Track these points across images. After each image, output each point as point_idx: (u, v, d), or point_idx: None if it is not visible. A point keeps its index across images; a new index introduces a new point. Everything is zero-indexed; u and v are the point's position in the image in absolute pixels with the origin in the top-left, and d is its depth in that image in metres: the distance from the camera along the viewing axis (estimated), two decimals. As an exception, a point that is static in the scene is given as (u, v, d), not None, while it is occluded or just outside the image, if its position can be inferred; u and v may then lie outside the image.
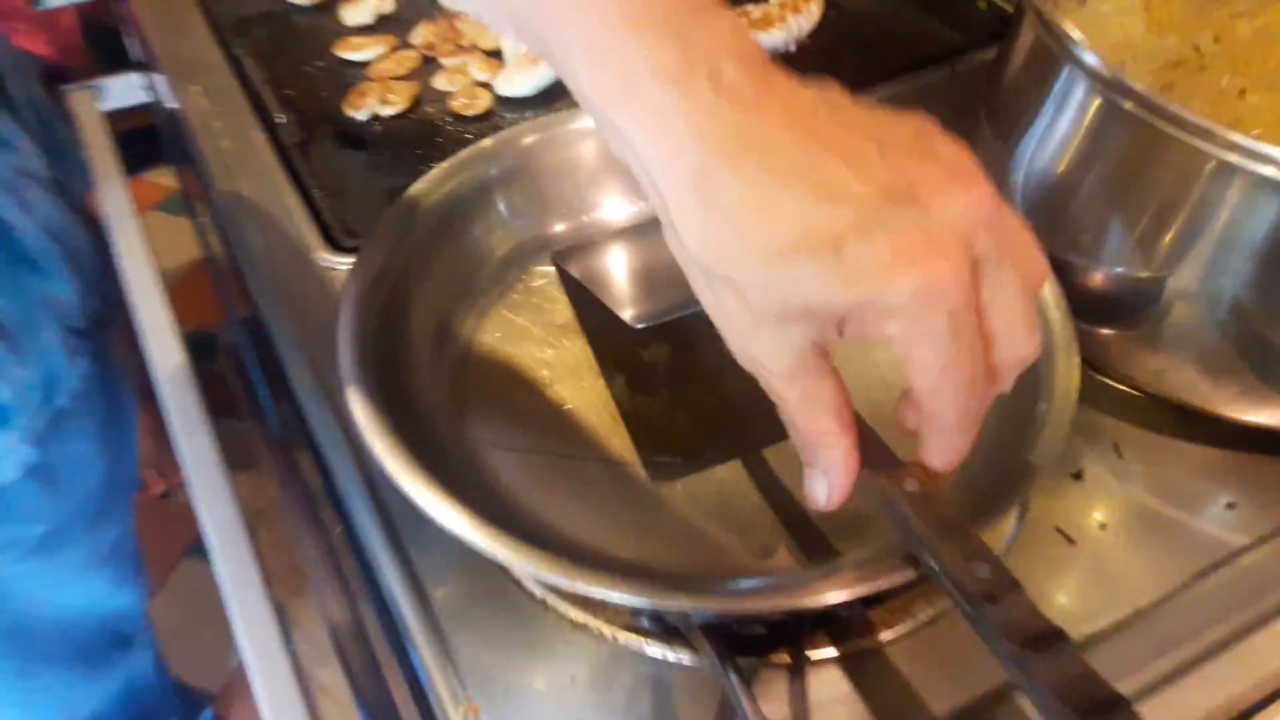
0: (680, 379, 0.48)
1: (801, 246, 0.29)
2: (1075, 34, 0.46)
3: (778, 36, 0.70)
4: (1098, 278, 0.49)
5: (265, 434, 0.71)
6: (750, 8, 0.72)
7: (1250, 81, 0.54)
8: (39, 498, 0.65)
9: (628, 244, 0.51)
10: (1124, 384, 0.51)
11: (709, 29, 0.30)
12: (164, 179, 2.30)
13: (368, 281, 0.45)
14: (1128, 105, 0.44)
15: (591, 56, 0.30)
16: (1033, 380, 0.43)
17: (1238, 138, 0.42)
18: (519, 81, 0.67)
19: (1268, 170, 0.42)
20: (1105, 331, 0.51)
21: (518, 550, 0.35)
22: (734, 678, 0.36)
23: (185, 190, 1.35)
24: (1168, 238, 0.46)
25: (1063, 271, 0.49)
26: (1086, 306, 0.50)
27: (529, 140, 0.51)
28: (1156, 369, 0.50)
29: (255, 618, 0.53)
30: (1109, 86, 0.45)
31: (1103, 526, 0.46)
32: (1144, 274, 0.47)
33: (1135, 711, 0.30)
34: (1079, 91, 0.47)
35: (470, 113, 0.66)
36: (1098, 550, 0.45)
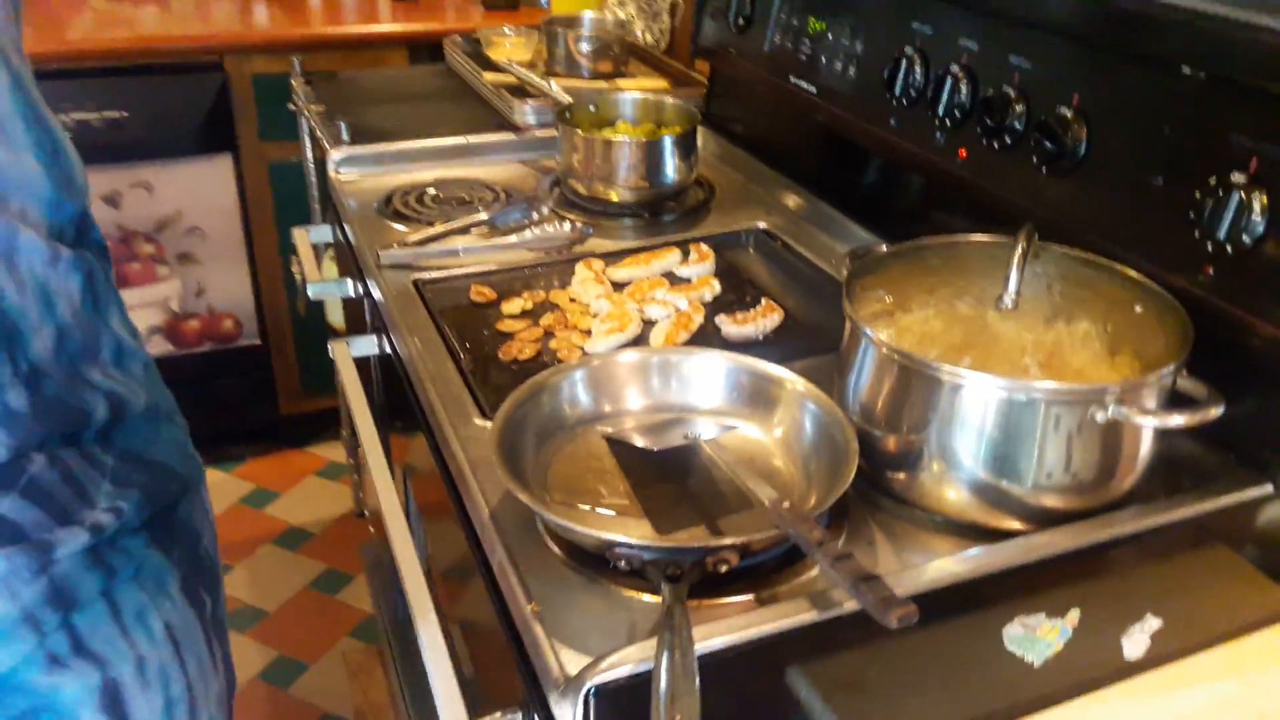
0: (669, 479, 0.85)
1: None
2: (871, 330, 0.85)
3: (749, 329, 1.11)
4: (890, 441, 0.85)
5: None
6: (737, 313, 1.14)
7: (993, 357, 0.92)
8: None
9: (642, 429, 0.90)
10: (909, 503, 0.86)
11: None
12: (326, 452, 2.79)
13: (505, 416, 0.84)
14: (893, 356, 0.83)
15: None
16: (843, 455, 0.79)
17: (945, 365, 0.79)
18: (599, 345, 1.09)
19: (962, 382, 0.79)
20: (900, 475, 0.86)
21: (553, 510, 0.72)
22: (667, 590, 0.70)
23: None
24: (917, 418, 0.82)
25: (872, 440, 0.86)
26: (887, 460, 0.86)
27: (595, 364, 0.91)
28: (924, 493, 0.84)
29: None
30: (886, 348, 0.83)
31: (877, 567, 0.79)
32: (911, 438, 0.83)
33: (883, 580, 0.64)
34: (870, 351, 0.85)
35: (568, 359, 1.08)
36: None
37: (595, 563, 0.77)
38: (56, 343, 0.64)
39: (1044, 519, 0.81)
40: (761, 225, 1.40)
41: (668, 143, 1.43)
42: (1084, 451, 0.79)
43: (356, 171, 1.56)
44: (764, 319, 1.13)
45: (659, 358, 0.92)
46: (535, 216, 1.40)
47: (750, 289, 1.25)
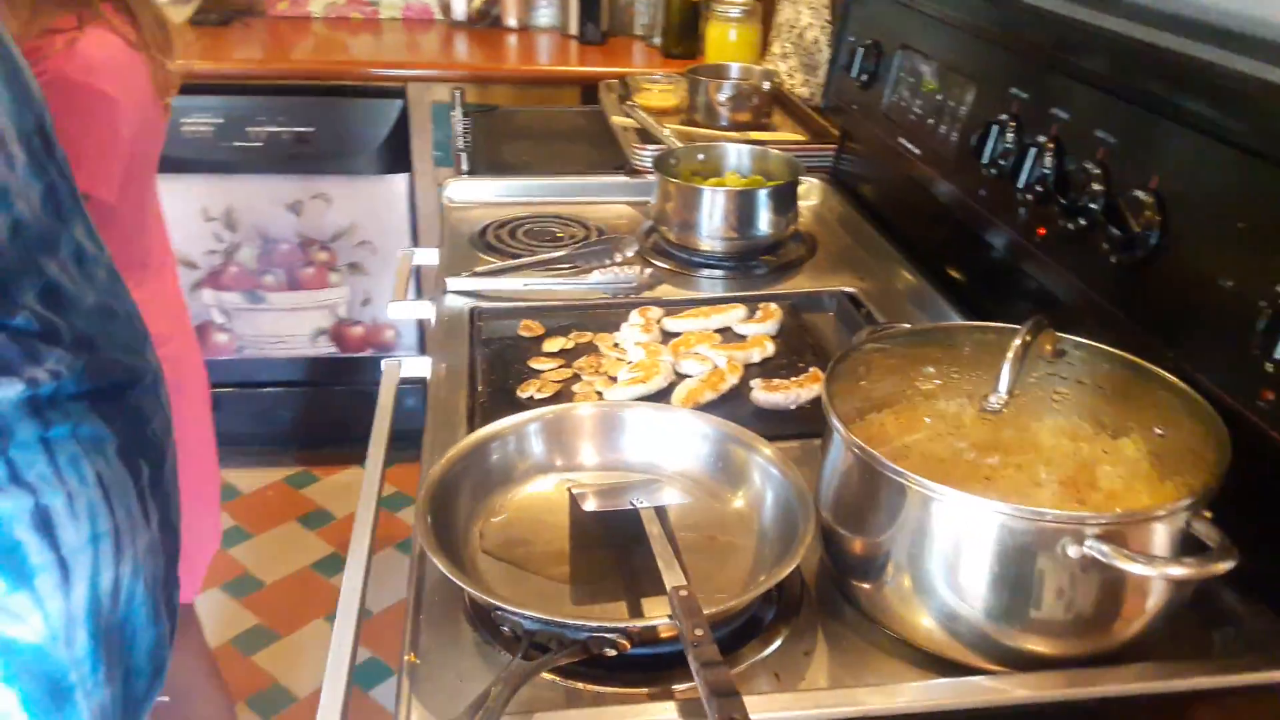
0: (610, 545, 0.78)
1: None
2: (836, 420, 0.74)
3: (779, 397, 1.02)
4: (856, 545, 0.74)
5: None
6: (774, 379, 1.05)
7: (1014, 464, 0.79)
8: None
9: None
10: (872, 619, 0.74)
11: None
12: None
13: (452, 458, 0.80)
14: (853, 449, 0.71)
15: None
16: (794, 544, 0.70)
17: (909, 473, 0.68)
18: (617, 394, 1.03)
19: (932, 494, 0.67)
20: (865, 585, 0.75)
21: (455, 574, 0.67)
22: (521, 663, 0.63)
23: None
24: (880, 525, 0.71)
25: (839, 540, 0.75)
26: (852, 565, 0.76)
27: (550, 416, 0.86)
28: (885, 609, 0.73)
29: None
30: (853, 447, 0.73)
31: (803, 679, 0.69)
32: (875, 545, 0.72)
33: (741, 700, 0.56)
34: (841, 449, 0.74)
35: (582, 406, 1.02)
36: (790, 691, 0.68)
37: (493, 624, 0.71)
38: (11, 231, 0.71)
39: (1019, 661, 0.68)
40: (850, 290, 1.30)
41: (761, 195, 1.35)
42: (1066, 591, 0.66)
43: (469, 201, 1.58)
44: (802, 389, 1.04)
45: (623, 412, 0.85)
46: (618, 258, 1.36)
47: (809, 355, 1.15)
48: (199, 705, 1.38)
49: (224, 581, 2.26)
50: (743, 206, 1.35)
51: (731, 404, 1.04)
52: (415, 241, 2.53)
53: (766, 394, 1.03)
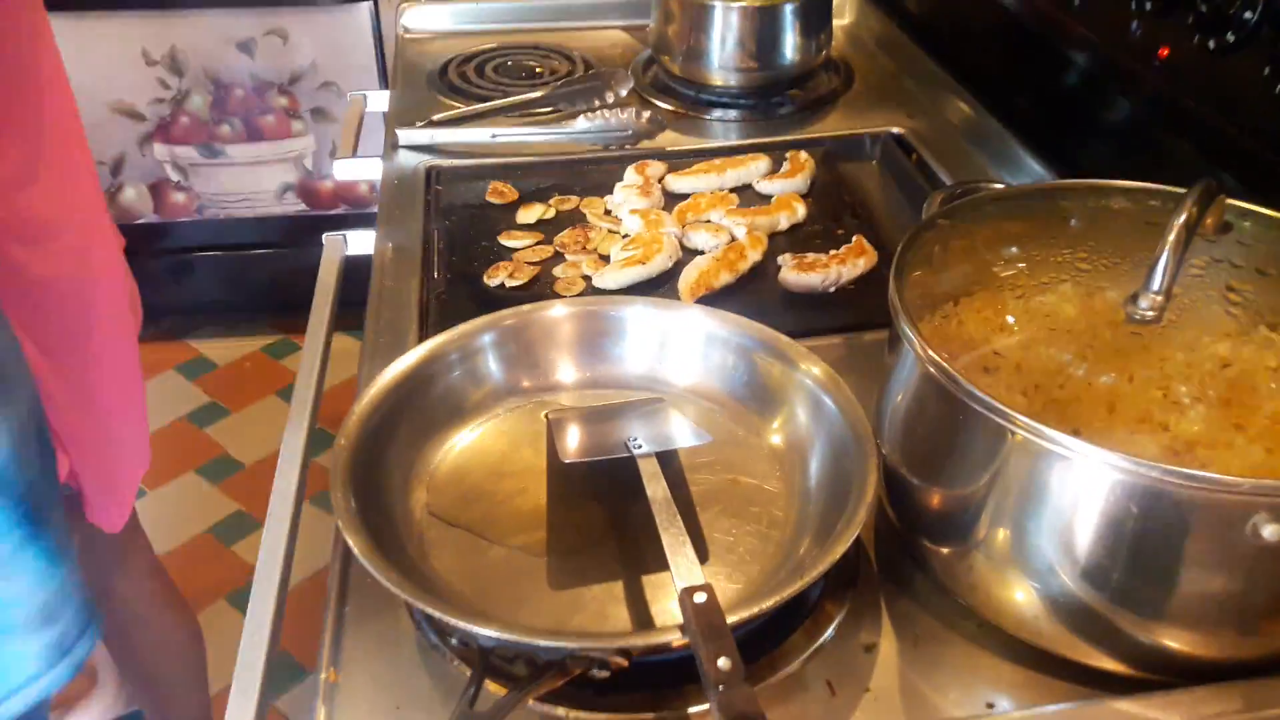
0: (601, 499, 0.59)
1: None
2: (910, 330, 0.53)
3: (814, 278, 0.81)
4: (934, 497, 0.56)
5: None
6: (808, 254, 0.84)
7: (1141, 378, 0.59)
8: None
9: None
10: (951, 593, 0.56)
11: None
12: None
13: (379, 394, 0.60)
14: (934, 372, 0.51)
15: None
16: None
17: (1020, 415, 0.48)
18: (608, 279, 0.82)
19: (1051, 445, 0.48)
20: (944, 550, 0.56)
21: (381, 569, 0.48)
22: (469, 713, 0.46)
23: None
24: (966, 474, 0.52)
25: (907, 488, 0.56)
26: (924, 522, 0.57)
27: (511, 321, 0.65)
28: (973, 586, 0.55)
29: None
30: (934, 367, 0.52)
31: (867, 690, 0.51)
32: (961, 492, 0.53)
33: None
34: (915, 370, 0.54)
35: (566, 293, 0.82)
36: (850, 709, 0.50)
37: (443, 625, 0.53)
38: None
39: (1151, 662, 0.51)
40: (896, 131, 1.07)
41: (786, 12, 1.11)
42: (1238, 577, 0.47)
43: (429, 30, 1.32)
44: (842, 265, 0.83)
45: (613, 311, 0.65)
46: (610, 99, 1.12)
47: (849, 218, 0.93)
48: (152, 632, 1.23)
49: (200, 464, 2.12)
50: (763, 27, 1.11)
51: (754, 287, 0.84)
52: (385, 83, 2.26)
53: (798, 274, 0.82)
